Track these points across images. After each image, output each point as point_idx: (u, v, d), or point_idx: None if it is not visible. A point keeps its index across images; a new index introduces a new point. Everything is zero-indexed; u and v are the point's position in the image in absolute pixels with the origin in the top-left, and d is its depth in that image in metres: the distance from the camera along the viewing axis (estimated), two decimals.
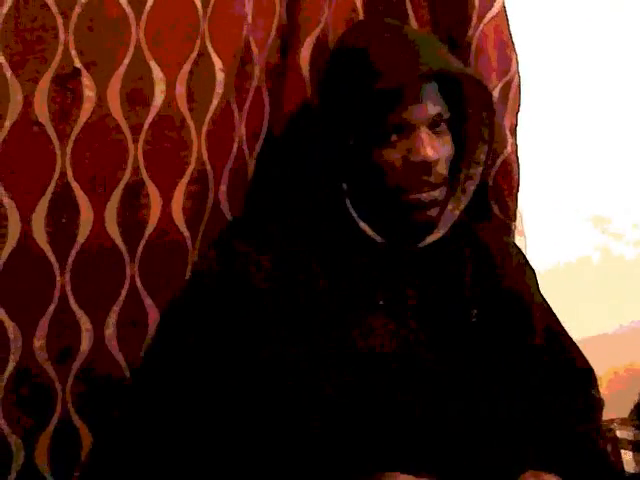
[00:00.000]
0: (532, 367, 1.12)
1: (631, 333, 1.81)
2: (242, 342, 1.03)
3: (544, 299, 1.20)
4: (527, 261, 1.23)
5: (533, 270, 1.22)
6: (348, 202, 1.07)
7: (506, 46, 1.28)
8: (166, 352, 1.09)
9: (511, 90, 1.29)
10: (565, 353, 1.17)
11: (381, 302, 1.05)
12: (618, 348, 1.77)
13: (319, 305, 1.04)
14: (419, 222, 1.07)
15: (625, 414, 1.76)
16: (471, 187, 1.11)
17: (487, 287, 1.12)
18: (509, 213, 1.33)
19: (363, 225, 1.08)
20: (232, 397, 1.03)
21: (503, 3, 1.27)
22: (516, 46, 1.29)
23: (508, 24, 1.28)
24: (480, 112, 1.10)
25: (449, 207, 1.11)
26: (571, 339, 1.19)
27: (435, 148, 1.04)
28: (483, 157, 1.11)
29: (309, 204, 1.11)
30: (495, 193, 1.32)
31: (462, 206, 1.11)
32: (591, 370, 1.18)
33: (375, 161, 1.05)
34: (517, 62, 1.29)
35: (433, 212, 1.07)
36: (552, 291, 1.22)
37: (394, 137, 1.04)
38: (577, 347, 1.19)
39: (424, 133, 1.03)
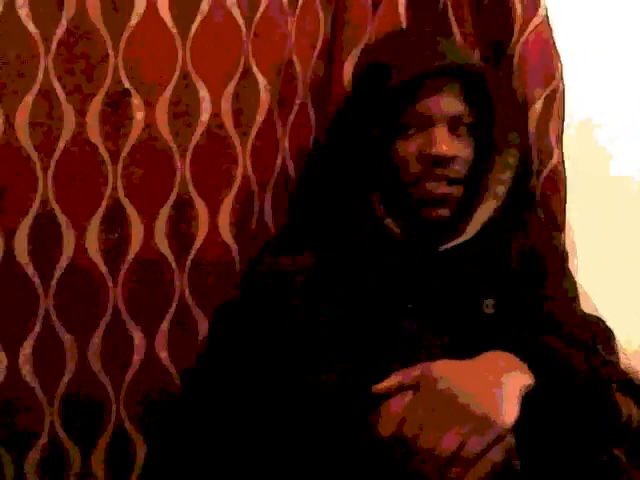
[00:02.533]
0: None
1: None
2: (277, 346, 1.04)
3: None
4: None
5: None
6: (375, 199, 1.08)
7: (550, 55, 1.27)
8: (212, 355, 1.13)
9: (556, 99, 1.27)
10: None
11: (409, 306, 1.05)
12: None
13: (353, 310, 1.05)
14: (430, 219, 1.07)
15: None
16: (502, 191, 1.10)
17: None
18: (557, 224, 1.31)
19: (388, 222, 1.08)
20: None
21: (546, 12, 1.27)
22: (560, 54, 1.28)
23: (551, 32, 1.27)
24: (508, 115, 1.10)
25: (477, 212, 1.10)
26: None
27: (450, 145, 1.05)
28: (513, 161, 1.10)
29: (340, 206, 1.12)
30: (542, 204, 1.30)
31: (491, 210, 1.10)
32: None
33: (394, 154, 1.07)
34: (561, 70, 1.28)
35: (444, 211, 1.07)
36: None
37: (412, 130, 1.06)
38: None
39: (441, 129, 1.05)
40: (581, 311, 1.15)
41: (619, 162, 1.52)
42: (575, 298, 1.16)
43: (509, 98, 1.10)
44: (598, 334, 1.10)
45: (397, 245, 1.09)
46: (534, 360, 0.92)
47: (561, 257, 1.19)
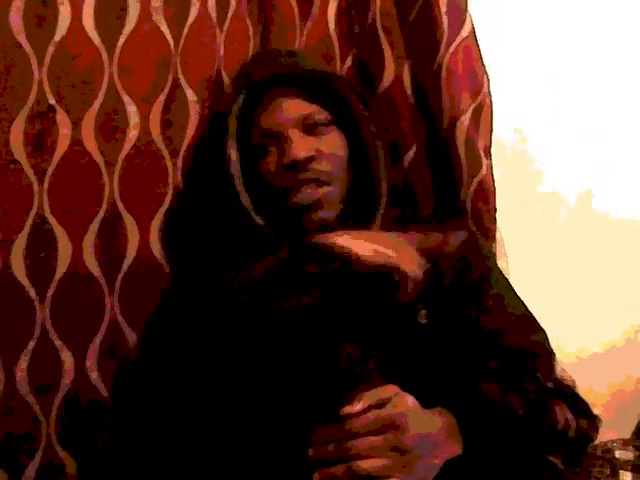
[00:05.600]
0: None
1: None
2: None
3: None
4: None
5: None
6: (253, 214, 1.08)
7: (476, 68, 1.29)
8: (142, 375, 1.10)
9: (483, 111, 1.29)
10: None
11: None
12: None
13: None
14: (313, 225, 1.06)
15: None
16: (385, 188, 1.10)
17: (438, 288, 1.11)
18: (488, 234, 1.33)
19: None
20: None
21: (472, 26, 1.29)
22: (487, 68, 1.30)
23: (478, 46, 1.30)
24: (366, 110, 1.11)
25: (375, 209, 1.09)
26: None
27: (305, 145, 1.05)
28: (380, 153, 1.10)
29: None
30: (473, 215, 1.32)
31: (383, 207, 1.10)
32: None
33: (260, 172, 1.08)
34: (488, 84, 1.30)
35: (325, 213, 1.07)
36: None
37: (269, 147, 1.08)
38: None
39: (293, 134, 1.06)
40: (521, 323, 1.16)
41: (549, 173, 1.56)
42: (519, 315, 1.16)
43: (364, 97, 1.12)
44: (536, 356, 1.12)
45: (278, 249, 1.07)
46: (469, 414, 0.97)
47: (494, 267, 1.20)
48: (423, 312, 1.09)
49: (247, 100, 1.09)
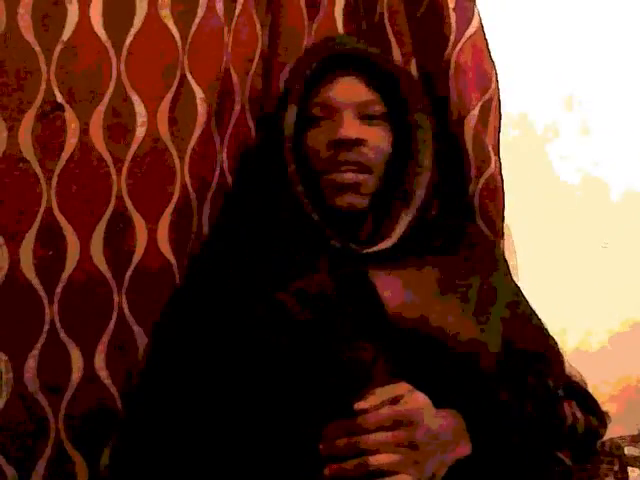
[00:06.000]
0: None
1: None
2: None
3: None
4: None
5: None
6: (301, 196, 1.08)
7: (484, 64, 1.29)
8: (156, 363, 1.11)
9: (491, 108, 1.29)
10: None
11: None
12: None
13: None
14: (341, 207, 1.08)
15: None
16: (420, 193, 1.12)
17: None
18: (496, 230, 1.32)
19: (315, 217, 1.08)
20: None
21: (480, 21, 1.28)
22: (496, 64, 1.30)
23: (486, 42, 1.29)
24: (421, 110, 1.14)
25: (402, 215, 1.11)
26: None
27: (358, 130, 1.07)
28: (428, 162, 1.12)
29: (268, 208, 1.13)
30: (481, 211, 1.32)
31: (414, 212, 1.11)
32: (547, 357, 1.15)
33: (306, 144, 1.10)
34: (497, 80, 1.30)
35: (357, 199, 1.08)
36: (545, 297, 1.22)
37: (321, 120, 1.10)
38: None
39: (347, 115, 1.08)
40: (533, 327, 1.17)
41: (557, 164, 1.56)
42: (530, 315, 1.18)
43: (422, 97, 1.15)
44: (547, 360, 1.13)
45: (326, 247, 1.08)
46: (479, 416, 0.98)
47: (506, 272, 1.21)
48: None
49: (310, 77, 1.11)
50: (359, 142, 1.07)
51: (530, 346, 1.11)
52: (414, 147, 1.13)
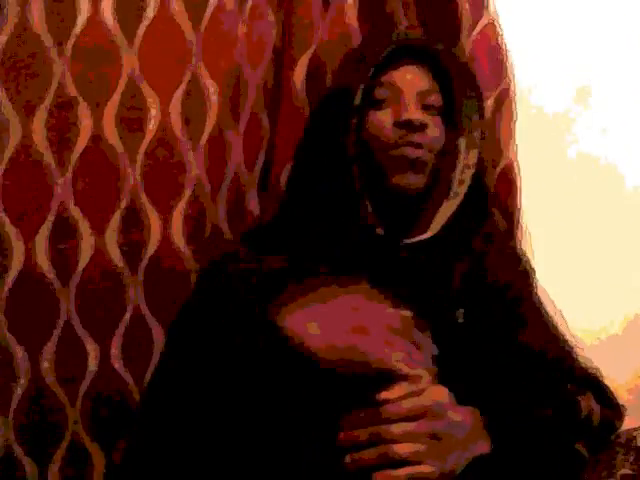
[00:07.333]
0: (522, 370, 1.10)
1: None
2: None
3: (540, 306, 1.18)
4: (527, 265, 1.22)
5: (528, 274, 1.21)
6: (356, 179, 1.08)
7: (498, 55, 1.28)
8: (167, 375, 1.11)
9: (506, 99, 1.28)
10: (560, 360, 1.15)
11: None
12: None
13: None
14: (400, 187, 1.08)
15: None
16: (463, 190, 1.12)
17: (477, 290, 1.11)
18: (512, 220, 1.32)
19: (368, 206, 1.07)
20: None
21: (494, 13, 1.27)
22: (511, 54, 1.29)
23: (501, 33, 1.28)
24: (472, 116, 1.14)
25: (442, 207, 1.12)
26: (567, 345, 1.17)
27: (422, 115, 1.09)
28: (474, 161, 1.13)
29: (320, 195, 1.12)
30: (497, 201, 1.31)
31: (454, 208, 1.12)
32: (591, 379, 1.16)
33: (369, 125, 1.10)
34: (512, 70, 1.29)
35: (415, 178, 1.09)
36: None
37: (385, 103, 1.10)
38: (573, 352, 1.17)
39: (412, 100, 1.10)
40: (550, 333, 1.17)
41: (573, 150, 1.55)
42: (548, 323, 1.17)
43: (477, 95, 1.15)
44: (564, 362, 1.13)
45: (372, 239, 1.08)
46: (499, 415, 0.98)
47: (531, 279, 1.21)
48: (461, 311, 1.10)
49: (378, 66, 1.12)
50: (423, 126, 1.08)
51: (541, 344, 1.10)
52: (462, 148, 1.15)
